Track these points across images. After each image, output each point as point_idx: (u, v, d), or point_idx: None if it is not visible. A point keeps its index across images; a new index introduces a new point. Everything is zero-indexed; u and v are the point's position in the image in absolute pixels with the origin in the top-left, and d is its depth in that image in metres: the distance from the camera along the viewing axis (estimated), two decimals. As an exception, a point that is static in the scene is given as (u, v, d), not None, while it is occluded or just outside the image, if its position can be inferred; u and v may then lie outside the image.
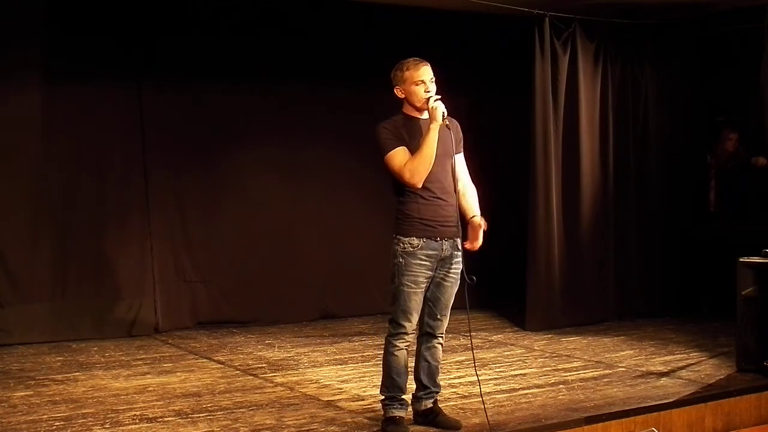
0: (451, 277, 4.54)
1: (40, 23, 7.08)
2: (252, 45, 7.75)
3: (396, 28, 7.78)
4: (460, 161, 4.64)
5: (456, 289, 4.58)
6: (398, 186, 4.48)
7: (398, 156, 4.39)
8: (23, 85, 7.06)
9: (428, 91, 4.43)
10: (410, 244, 4.44)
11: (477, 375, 4.99)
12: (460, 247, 4.54)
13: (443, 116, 4.38)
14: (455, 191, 4.51)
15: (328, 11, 7.70)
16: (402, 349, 4.53)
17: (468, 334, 7.12)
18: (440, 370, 4.74)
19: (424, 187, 4.42)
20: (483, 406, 4.65)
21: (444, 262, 4.50)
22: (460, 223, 4.52)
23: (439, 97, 4.42)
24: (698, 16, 7.97)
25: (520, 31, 7.73)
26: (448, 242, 4.49)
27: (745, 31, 7.55)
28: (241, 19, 7.66)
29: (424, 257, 4.45)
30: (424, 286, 4.49)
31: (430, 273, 4.49)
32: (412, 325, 4.51)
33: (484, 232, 4.54)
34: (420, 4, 7.42)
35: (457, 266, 4.54)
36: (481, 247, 4.57)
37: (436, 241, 4.46)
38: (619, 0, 7.55)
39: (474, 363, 5.16)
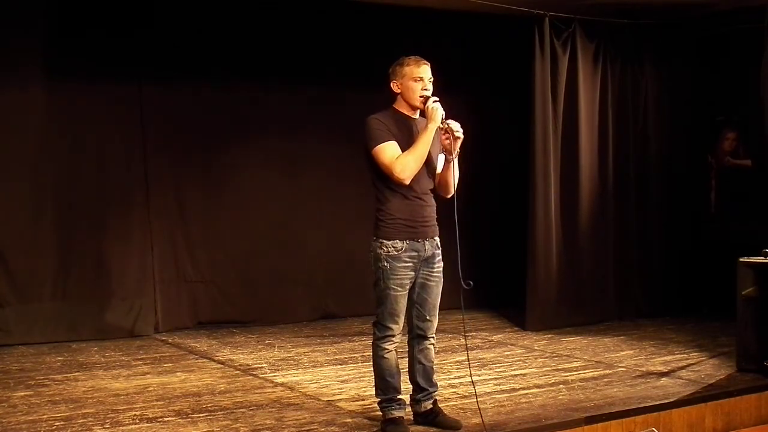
0: (435, 276, 4.55)
1: (40, 20, 7.08)
2: (253, 43, 7.75)
3: (396, 28, 7.78)
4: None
5: (440, 288, 4.58)
6: (380, 184, 4.46)
7: (389, 149, 4.36)
8: (23, 84, 7.06)
9: (425, 89, 4.42)
10: (394, 247, 4.43)
11: (471, 376, 4.95)
12: (439, 246, 4.55)
13: (442, 119, 4.36)
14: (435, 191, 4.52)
15: (328, 10, 7.70)
16: (391, 351, 4.52)
17: (468, 335, 7.14)
18: (439, 369, 4.74)
19: (408, 185, 4.39)
20: (478, 407, 4.65)
21: (426, 262, 4.51)
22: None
23: (438, 99, 4.41)
24: (698, 16, 7.97)
25: (520, 31, 7.72)
26: (429, 242, 4.50)
27: (745, 31, 7.55)
28: (242, 16, 7.66)
29: (408, 259, 4.44)
30: (409, 287, 4.49)
31: (414, 274, 4.48)
32: (399, 327, 4.51)
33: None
34: (420, 4, 7.42)
35: (439, 265, 4.55)
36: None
37: (419, 242, 4.46)
38: (619, 0, 7.55)
39: (469, 364, 5.14)
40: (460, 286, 4.43)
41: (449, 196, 4.56)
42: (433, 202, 4.55)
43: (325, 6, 7.56)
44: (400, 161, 4.33)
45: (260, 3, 7.61)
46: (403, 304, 4.48)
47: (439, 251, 4.55)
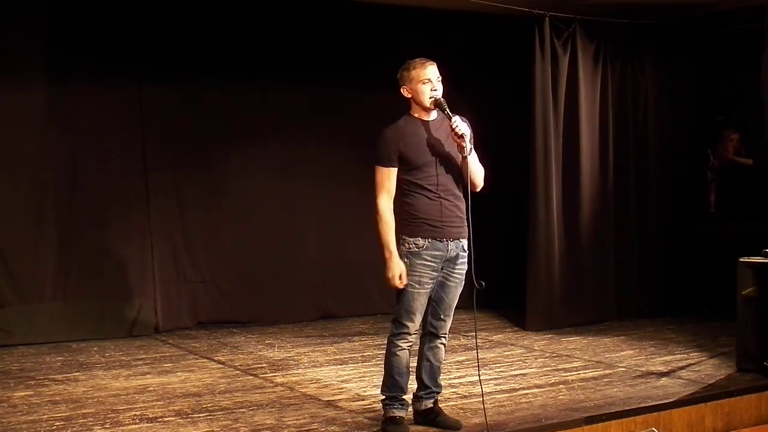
0: (455, 277, 4.54)
1: (40, 20, 7.08)
2: (253, 44, 7.75)
3: (396, 28, 7.78)
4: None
5: (460, 289, 4.58)
6: (405, 183, 4.49)
7: (384, 175, 4.46)
8: (24, 85, 7.06)
9: (434, 90, 4.45)
10: (415, 244, 4.45)
11: (479, 376, 4.98)
12: (465, 249, 4.54)
13: (449, 117, 4.38)
14: (462, 192, 4.51)
15: (328, 10, 7.70)
16: (404, 349, 4.53)
17: (468, 335, 7.14)
18: (441, 370, 4.74)
19: (425, 187, 4.44)
20: (483, 407, 4.65)
21: (449, 262, 4.51)
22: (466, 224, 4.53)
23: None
24: (698, 16, 7.97)
25: (520, 31, 7.73)
26: (454, 243, 4.50)
27: (745, 31, 7.56)
28: (242, 17, 7.66)
29: (429, 258, 4.45)
30: (429, 286, 4.49)
31: (435, 273, 4.49)
32: (415, 325, 4.52)
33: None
34: (420, 4, 7.42)
35: (462, 267, 4.55)
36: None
37: (442, 241, 4.47)
38: (619, 0, 7.55)
39: (478, 365, 5.15)
40: (473, 286, 4.42)
41: (477, 190, 4.58)
42: (459, 202, 4.53)
43: (325, 6, 7.56)
44: (380, 205, 4.46)
45: (260, 3, 7.61)
46: (420, 303, 4.48)
47: (465, 253, 4.54)
